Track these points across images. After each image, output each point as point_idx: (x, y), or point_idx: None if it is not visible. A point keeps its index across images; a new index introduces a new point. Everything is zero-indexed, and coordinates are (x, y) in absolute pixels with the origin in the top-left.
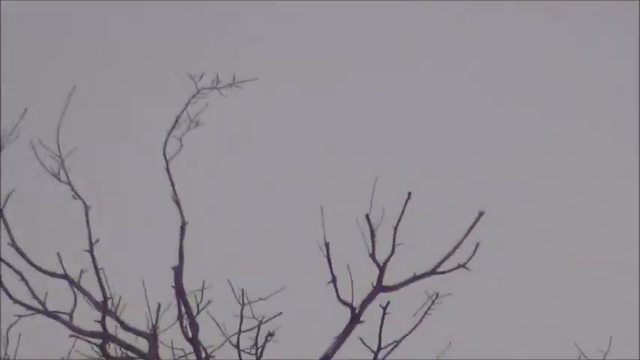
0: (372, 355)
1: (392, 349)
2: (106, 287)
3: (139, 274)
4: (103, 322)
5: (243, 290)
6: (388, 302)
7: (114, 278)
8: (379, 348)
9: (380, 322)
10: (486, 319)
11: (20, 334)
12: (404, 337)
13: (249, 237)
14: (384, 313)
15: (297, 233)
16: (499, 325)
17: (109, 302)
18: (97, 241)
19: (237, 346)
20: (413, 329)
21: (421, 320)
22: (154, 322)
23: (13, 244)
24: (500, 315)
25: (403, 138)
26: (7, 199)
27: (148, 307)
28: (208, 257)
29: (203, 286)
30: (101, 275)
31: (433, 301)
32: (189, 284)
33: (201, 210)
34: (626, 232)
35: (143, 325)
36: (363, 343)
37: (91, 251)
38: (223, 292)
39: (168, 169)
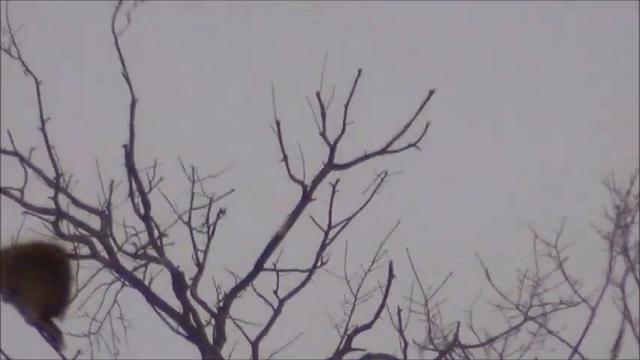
0: (322, 234)
1: (342, 228)
2: (57, 164)
3: (90, 151)
4: (55, 199)
5: (193, 168)
6: (337, 180)
7: (65, 156)
8: (329, 226)
9: (330, 200)
10: (437, 197)
11: None
12: (353, 216)
13: (201, 115)
14: (334, 191)
15: (248, 111)
16: (450, 203)
17: (61, 180)
18: (49, 118)
19: (188, 223)
20: (362, 207)
21: (370, 198)
22: (107, 199)
23: None
24: (450, 193)
25: (355, 20)
26: None
27: (102, 183)
28: (159, 135)
29: (155, 164)
30: (53, 152)
31: (382, 180)
32: (140, 163)
33: (152, 88)
34: None
35: (95, 204)
36: (313, 221)
37: (42, 128)
38: (174, 170)
39: (117, 45)
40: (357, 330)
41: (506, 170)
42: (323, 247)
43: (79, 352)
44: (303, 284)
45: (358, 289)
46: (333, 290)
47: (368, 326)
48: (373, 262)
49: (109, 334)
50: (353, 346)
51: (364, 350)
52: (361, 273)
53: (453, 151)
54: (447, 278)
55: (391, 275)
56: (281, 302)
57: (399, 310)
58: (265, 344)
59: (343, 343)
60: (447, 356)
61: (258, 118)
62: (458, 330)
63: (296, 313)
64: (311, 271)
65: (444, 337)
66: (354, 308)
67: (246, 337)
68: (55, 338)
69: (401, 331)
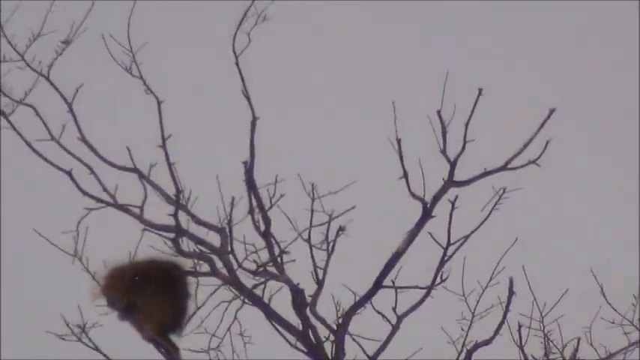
0: (441, 251)
1: (461, 245)
2: (178, 181)
3: (210, 169)
4: (175, 215)
5: (313, 184)
6: (456, 196)
7: (183, 174)
8: (448, 243)
9: (449, 217)
10: (556, 216)
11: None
12: (472, 233)
13: (321, 132)
14: (453, 208)
15: (367, 128)
16: (569, 221)
17: (181, 196)
18: (170, 136)
19: (308, 240)
20: (480, 225)
21: (488, 216)
22: (228, 216)
23: (83, 138)
24: (569, 212)
25: (474, 37)
26: (75, 94)
27: (222, 200)
28: (279, 152)
29: (276, 180)
30: (173, 169)
31: (500, 197)
32: (260, 180)
33: (272, 106)
34: None
35: (214, 220)
36: (432, 238)
37: (163, 146)
38: (294, 187)
39: (237, 64)
40: (477, 345)
41: (623, 188)
42: (442, 263)
43: None
44: (421, 301)
45: (476, 306)
46: (448, 307)
47: (488, 342)
48: (491, 278)
49: (229, 351)
50: None
51: None
52: (478, 290)
53: (571, 167)
54: (562, 295)
55: (511, 292)
56: (399, 319)
57: (520, 326)
58: None
59: (463, 358)
60: None
61: (377, 136)
62: (578, 346)
63: (412, 328)
64: (430, 288)
65: (561, 353)
66: (471, 325)
67: (365, 353)
68: (171, 354)
69: (521, 347)
